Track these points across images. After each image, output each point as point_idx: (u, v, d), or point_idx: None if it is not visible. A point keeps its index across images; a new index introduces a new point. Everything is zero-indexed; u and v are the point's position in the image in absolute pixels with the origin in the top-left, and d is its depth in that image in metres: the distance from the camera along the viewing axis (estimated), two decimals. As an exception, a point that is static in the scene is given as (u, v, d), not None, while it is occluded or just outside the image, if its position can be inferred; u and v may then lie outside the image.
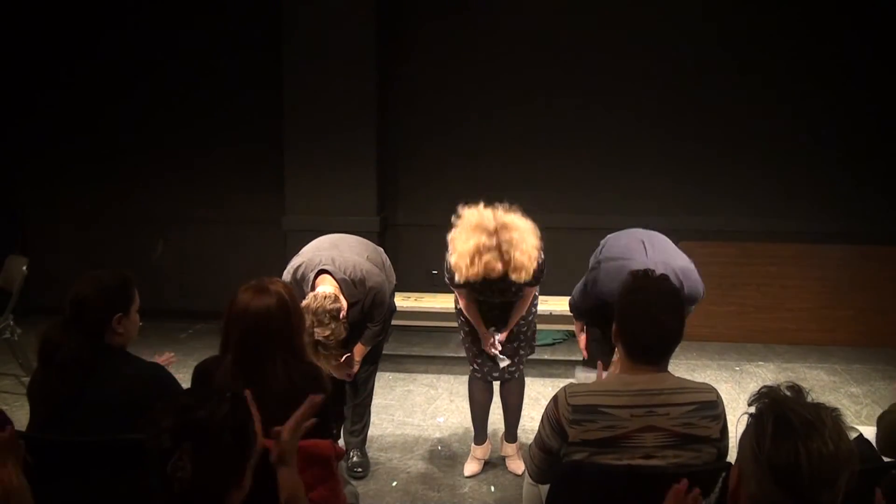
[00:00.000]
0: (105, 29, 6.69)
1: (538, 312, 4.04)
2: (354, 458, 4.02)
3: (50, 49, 6.74)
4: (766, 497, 1.52)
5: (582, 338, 3.87)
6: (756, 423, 1.56)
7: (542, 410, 2.34)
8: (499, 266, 3.37)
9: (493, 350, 3.85)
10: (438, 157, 6.49)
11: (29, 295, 5.36)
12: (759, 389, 1.62)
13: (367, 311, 3.68)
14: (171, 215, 6.84)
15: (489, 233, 3.36)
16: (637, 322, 2.24)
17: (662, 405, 2.18)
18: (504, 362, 3.88)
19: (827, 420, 1.52)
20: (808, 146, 6.33)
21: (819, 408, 1.55)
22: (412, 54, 6.48)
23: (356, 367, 3.78)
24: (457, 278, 3.53)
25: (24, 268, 5.06)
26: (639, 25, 6.29)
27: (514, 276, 3.43)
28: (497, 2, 6.43)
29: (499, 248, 3.35)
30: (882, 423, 2.56)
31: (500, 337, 3.84)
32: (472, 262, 3.37)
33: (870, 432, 2.63)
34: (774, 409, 1.54)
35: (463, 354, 4.22)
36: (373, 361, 3.97)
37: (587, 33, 6.35)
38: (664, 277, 2.39)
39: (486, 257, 3.35)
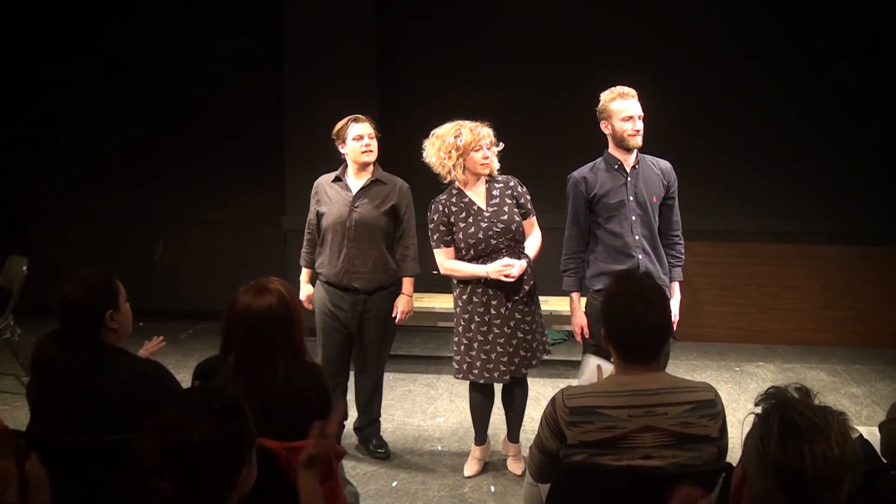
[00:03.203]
0: (105, 29, 6.69)
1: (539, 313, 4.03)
2: (374, 442, 4.28)
3: (50, 48, 6.74)
4: (768, 498, 1.51)
5: (578, 316, 3.84)
6: (762, 424, 1.55)
7: (542, 410, 2.34)
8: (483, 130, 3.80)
9: (511, 271, 3.71)
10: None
11: (29, 295, 5.37)
12: (767, 390, 1.61)
13: (401, 212, 4.08)
14: (172, 215, 6.84)
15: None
16: (622, 323, 2.24)
17: (660, 405, 2.18)
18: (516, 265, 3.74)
19: (833, 423, 1.51)
20: (808, 146, 6.33)
21: (826, 411, 1.54)
22: (413, 55, 6.49)
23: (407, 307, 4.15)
24: (436, 159, 3.84)
25: (24, 268, 5.07)
26: (638, 23, 6.29)
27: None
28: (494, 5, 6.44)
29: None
30: (884, 430, 2.56)
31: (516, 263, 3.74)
32: (453, 135, 3.82)
33: (868, 433, 2.63)
34: (781, 410, 1.54)
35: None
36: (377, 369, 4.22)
37: (591, 32, 6.36)
38: (646, 275, 2.40)
39: (469, 124, 3.82)
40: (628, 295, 2.25)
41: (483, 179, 3.88)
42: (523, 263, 3.78)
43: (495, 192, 3.86)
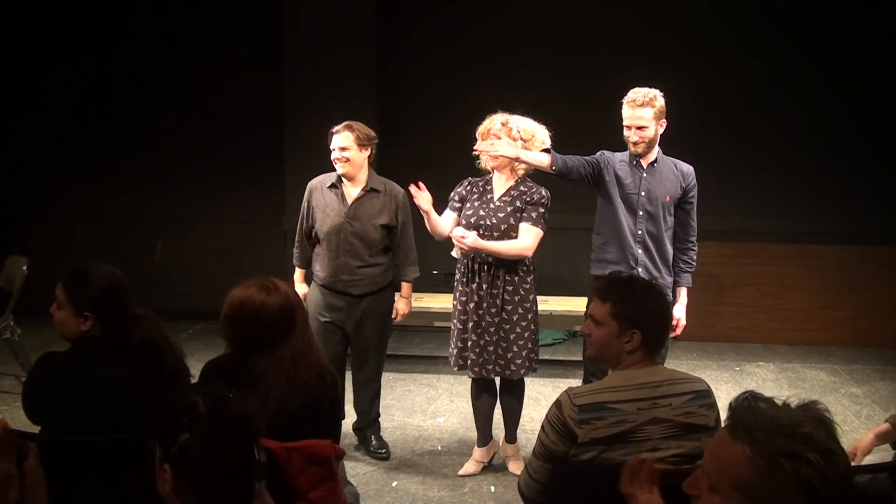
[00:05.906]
0: (105, 29, 6.70)
1: (539, 312, 4.03)
2: (374, 443, 4.25)
3: (52, 49, 6.74)
4: None
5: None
6: (751, 463, 1.41)
7: (542, 410, 2.34)
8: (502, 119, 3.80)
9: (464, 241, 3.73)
10: (440, 159, 6.47)
11: (29, 295, 5.37)
12: (728, 411, 1.48)
13: (398, 225, 4.04)
14: (171, 215, 6.84)
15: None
16: (663, 322, 2.39)
17: (664, 396, 2.24)
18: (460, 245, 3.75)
19: (816, 434, 1.40)
20: (808, 146, 6.33)
21: (799, 426, 1.41)
22: (413, 54, 6.49)
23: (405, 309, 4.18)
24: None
25: (24, 268, 5.07)
26: (643, 21, 6.29)
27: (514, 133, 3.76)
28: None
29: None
30: None
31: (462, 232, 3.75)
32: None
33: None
34: (757, 440, 1.41)
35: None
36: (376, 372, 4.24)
37: (592, 32, 6.36)
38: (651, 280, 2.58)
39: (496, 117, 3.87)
40: (661, 290, 2.46)
41: (511, 173, 3.87)
42: (473, 236, 3.73)
43: (514, 193, 3.85)
